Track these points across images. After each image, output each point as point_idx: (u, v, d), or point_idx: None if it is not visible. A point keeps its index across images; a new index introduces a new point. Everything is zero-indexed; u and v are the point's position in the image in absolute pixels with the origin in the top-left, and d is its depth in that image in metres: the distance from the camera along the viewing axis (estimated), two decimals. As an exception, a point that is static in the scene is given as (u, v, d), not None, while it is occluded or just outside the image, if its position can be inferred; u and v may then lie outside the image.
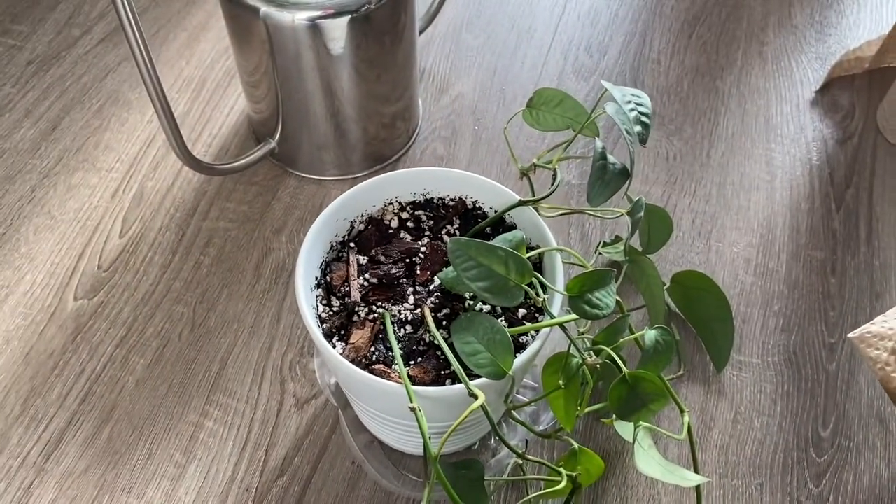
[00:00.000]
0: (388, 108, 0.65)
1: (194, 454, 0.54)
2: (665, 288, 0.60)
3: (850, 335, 0.48)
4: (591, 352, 0.44)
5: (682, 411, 0.49)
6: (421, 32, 0.74)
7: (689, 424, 0.48)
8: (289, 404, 0.56)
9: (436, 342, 0.44)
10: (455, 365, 0.41)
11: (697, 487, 0.49)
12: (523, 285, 0.40)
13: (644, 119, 0.45)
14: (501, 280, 0.40)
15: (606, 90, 0.46)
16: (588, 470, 0.45)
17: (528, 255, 0.46)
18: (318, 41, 0.58)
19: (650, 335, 0.41)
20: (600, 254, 0.58)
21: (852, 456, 0.54)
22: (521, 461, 0.48)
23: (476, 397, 0.40)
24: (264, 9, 0.57)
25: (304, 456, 0.54)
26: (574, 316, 0.42)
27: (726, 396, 0.57)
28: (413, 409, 0.40)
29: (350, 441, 0.52)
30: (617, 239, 0.61)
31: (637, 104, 0.46)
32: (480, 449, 0.54)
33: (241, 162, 0.64)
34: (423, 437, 0.39)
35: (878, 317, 0.47)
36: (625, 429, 0.51)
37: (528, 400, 0.53)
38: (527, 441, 0.54)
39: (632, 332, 0.55)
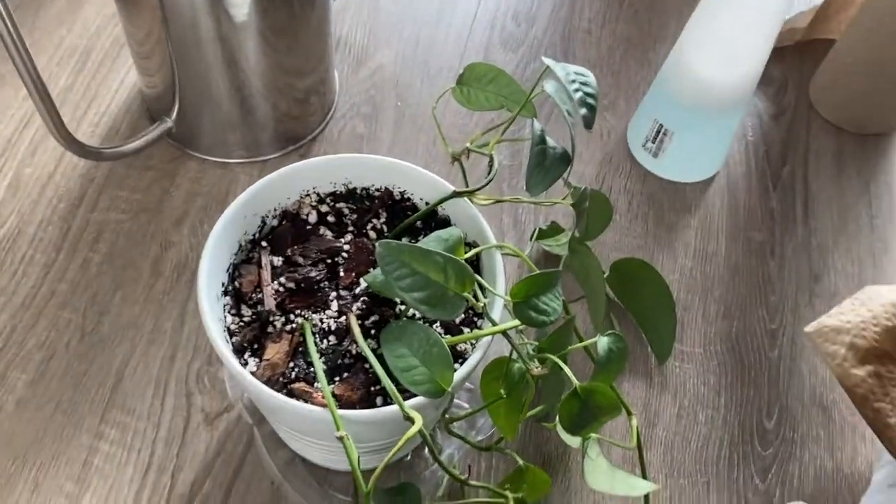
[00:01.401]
0: (301, 82, 0.59)
1: (88, 483, 0.47)
2: (603, 276, 0.56)
3: (806, 329, 0.45)
4: (536, 360, 0.40)
5: (629, 414, 0.45)
6: (335, -2, 0.67)
7: (637, 430, 0.45)
8: (196, 420, 0.50)
9: (364, 354, 0.39)
10: (387, 383, 0.36)
11: (646, 494, 0.46)
12: (465, 294, 0.36)
13: (590, 101, 0.41)
14: (440, 289, 0.35)
15: (547, 67, 0.42)
16: (533, 487, 0.41)
17: (475, 251, 0.42)
18: (218, 6, 0.50)
19: (603, 343, 0.37)
20: (537, 243, 0.54)
21: (797, 447, 0.53)
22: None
23: (412, 420, 0.35)
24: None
25: (215, 479, 0.48)
26: (517, 323, 0.38)
27: (669, 390, 0.54)
28: (340, 439, 0.35)
29: (267, 460, 0.47)
30: (553, 226, 0.57)
31: (582, 84, 0.41)
32: (413, 460, 0.49)
33: (133, 144, 0.56)
34: (354, 470, 0.34)
35: (833, 309, 0.45)
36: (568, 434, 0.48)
37: (466, 409, 0.49)
38: (467, 443, 0.49)
39: (578, 336, 0.51)
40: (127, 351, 0.52)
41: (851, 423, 0.54)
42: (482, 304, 0.38)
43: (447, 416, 0.42)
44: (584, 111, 0.41)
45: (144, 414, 0.50)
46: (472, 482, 0.38)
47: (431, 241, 0.39)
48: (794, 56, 0.73)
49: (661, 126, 0.60)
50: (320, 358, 0.40)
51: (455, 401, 0.51)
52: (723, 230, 0.61)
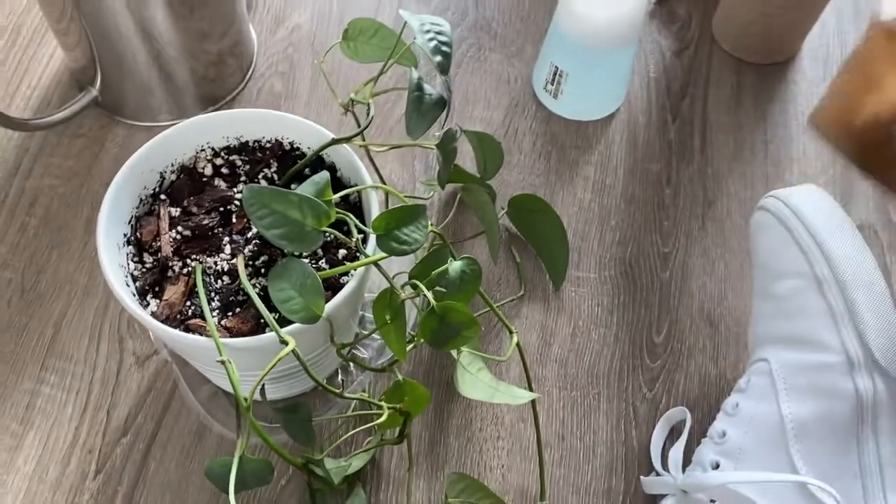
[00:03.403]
0: (214, 46, 0.62)
1: (31, 422, 0.52)
2: (504, 212, 0.61)
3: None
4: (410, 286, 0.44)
5: (510, 332, 0.50)
6: (249, -38, 0.71)
7: (517, 344, 0.50)
8: (129, 362, 0.55)
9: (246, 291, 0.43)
10: (263, 312, 0.41)
11: (533, 402, 0.51)
12: (322, 229, 0.40)
13: (444, 49, 0.45)
14: (297, 226, 0.39)
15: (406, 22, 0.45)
16: (414, 399, 0.46)
17: (346, 192, 0.46)
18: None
19: (455, 266, 0.42)
20: (428, 185, 0.58)
21: (683, 358, 0.57)
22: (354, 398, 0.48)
23: (286, 343, 0.40)
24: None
25: (147, 413, 0.53)
26: (383, 255, 0.42)
27: (565, 312, 0.59)
28: (223, 363, 0.39)
29: (189, 396, 0.52)
30: (455, 168, 0.61)
31: (437, 33, 0.45)
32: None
33: (59, 115, 0.60)
34: (234, 387, 0.39)
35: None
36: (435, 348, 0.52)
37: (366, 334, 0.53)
38: (360, 366, 0.54)
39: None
40: (64, 304, 0.57)
41: (735, 334, 0.58)
42: (355, 240, 0.43)
43: (338, 342, 0.47)
44: (438, 58, 0.44)
45: (81, 359, 0.55)
46: (346, 394, 0.43)
47: (306, 185, 0.43)
48: (700, -8, 0.75)
49: (557, 68, 0.64)
50: (215, 296, 0.44)
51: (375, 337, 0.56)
52: (622, 164, 0.65)
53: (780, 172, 0.66)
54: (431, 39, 0.44)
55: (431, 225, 0.45)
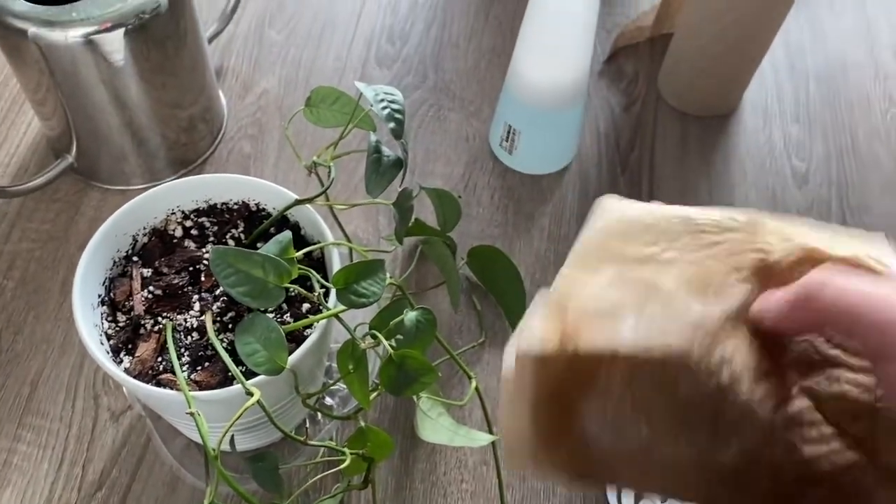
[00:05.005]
0: (184, 113, 0.66)
1: (8, 479, 0.54)
2: (464, 262, 0.64)
3: None
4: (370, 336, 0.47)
5: (469, 378, 0.53)
6: (218, 34, 0.75)
7: (476, 388, 0.52)
8: (104, 418, 0.57)
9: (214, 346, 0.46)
10: (230, 365, 0.43)
11: (493, 445, 0.54)
12: (284, 285, 0.43)
13: (397, 116, 0.48)
14: (260, 283, 0.42)
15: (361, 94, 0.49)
16: (377, 446, 0.48)
17: (307, 249, 0.49)
18: (96, 56, 0.57)
19: (410, 317, 0.45)
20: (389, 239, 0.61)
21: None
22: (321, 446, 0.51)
23: (252, 394, 0.42)
24: (33, 29, 0.56)
25: (121, 466, 0.55)
26: (342, 308, 0.45)
27: (524, 358, 0.61)
28: (191, 414, 0.42)
29: (162, 448, 0.54)
30: (416, 222, 0.65)
31: (390, 102, 0.48)
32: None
33: (36, 182, 0.63)
34: (203, 438, 0.41)
35: None
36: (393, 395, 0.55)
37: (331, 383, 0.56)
38: (325, 415, 0.57)
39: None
40: (40, 363, 0.59)
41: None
42: (317, 294, 0.45)
43: (303, 392, 0.49)
44: (392, 125, 0.48)
45: (57, 416, 0.57)
46: (311, 442, 0.46)
47: (271, 245, 0.46)
48: (645, 51, 0.80)
49: (511, 126, 0.68)
50: (185, 352, 0.47)
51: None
52: (574, 214, 0.69)
53: (724, 218, 0.70)
54: (385, 108, 0.48)
55: (391, 277, 0.48)
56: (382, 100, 0.48)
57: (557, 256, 0.66)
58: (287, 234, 0.46)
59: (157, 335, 0.47)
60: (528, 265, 0.66)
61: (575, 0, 0.58)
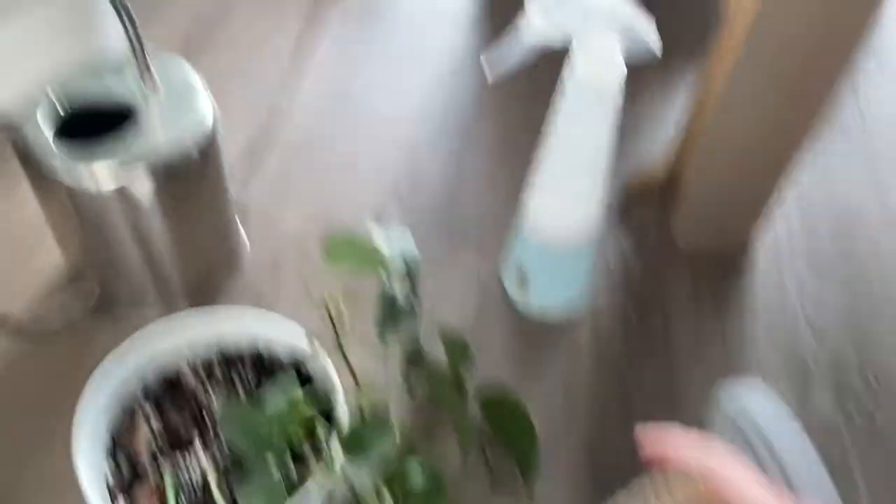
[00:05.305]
0: (204, 249, 0.67)
1: None
2: (465, 409, 0.63)
3: None
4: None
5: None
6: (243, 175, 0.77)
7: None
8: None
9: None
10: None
11: None
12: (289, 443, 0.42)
13: (409, 261, 0.49)
14: (266, 441, 0.42)
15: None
16: None
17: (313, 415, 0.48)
18: (124, 203, 0.59)
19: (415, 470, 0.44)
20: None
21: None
22: None
23: (252, 552, 0.41)
24: (68, 182, 0.58)
25: None
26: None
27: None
28: (186, 571, 0.40)
29: None
30: (429, 372, 0.64)
31: (402, 247, 0.49)
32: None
33: (57, 321, 0.64)
34: None
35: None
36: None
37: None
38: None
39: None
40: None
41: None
42: (326, 452, 0.45)
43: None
44: (403, 268, 0.49)
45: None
46: None
47: (277, 397, 0.46)
48: (657, 196, 0.82)
49: (523, 267, 0.68)
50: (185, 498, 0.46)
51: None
52: (588, 359, 0.68)
53: (736, 362, 0.69)
54: (398, 252, 0.49)
55: (399, 430, 0.47)
56: (395, 245, 0.49)
57: (571, 407, 0.65)
58: (297, 393, 0.46)
59: (159, 479, 0.46)
60: (539, 412, 0.64)
61: (588, 146, 0.60)
